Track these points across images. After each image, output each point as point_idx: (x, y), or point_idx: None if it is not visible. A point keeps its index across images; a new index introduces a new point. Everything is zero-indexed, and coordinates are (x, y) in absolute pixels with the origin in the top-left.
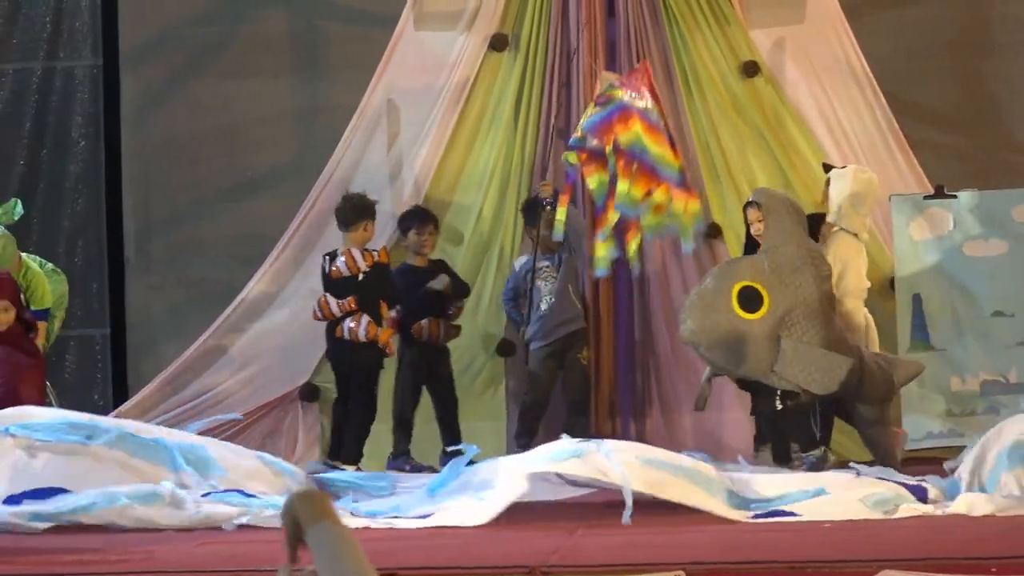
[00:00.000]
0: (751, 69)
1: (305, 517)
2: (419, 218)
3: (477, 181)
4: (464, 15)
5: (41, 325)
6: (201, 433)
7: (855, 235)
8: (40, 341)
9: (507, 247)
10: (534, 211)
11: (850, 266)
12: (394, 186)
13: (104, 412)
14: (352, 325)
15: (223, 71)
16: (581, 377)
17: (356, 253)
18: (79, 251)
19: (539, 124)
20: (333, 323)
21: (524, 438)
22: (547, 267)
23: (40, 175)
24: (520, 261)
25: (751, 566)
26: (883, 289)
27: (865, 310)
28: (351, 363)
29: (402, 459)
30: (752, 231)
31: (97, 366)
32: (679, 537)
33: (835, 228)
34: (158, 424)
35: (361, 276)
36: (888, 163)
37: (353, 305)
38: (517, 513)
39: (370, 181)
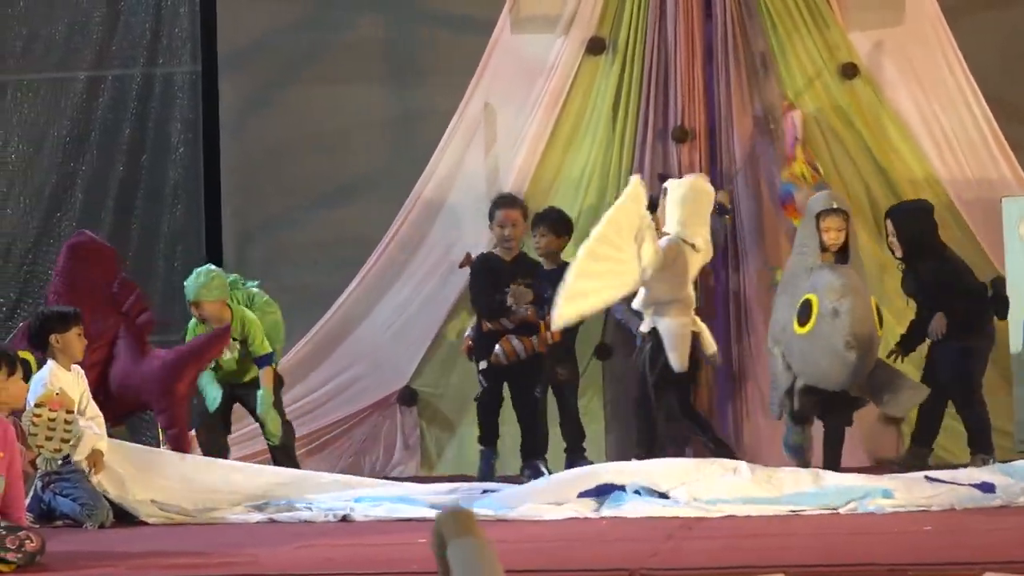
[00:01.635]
0: (850, 71)
1: (448, 532)
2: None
3: (575, 185)
4: (561, 19)
5: (267, 371)
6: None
7: (692, 245)
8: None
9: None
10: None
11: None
12: (491, 190)
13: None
14: None
15: (320, 77)
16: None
17: None
18: (178, 257)
19: (637, 127)
20: None
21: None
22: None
23: (140, 181)
24: None
25: (851, 568)
26: None
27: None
28: None
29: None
30: (827, 239)
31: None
32: (779, 540)
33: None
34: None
35: None
36: (989, 165)
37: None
38: (616, 517)
39: (468, 186)
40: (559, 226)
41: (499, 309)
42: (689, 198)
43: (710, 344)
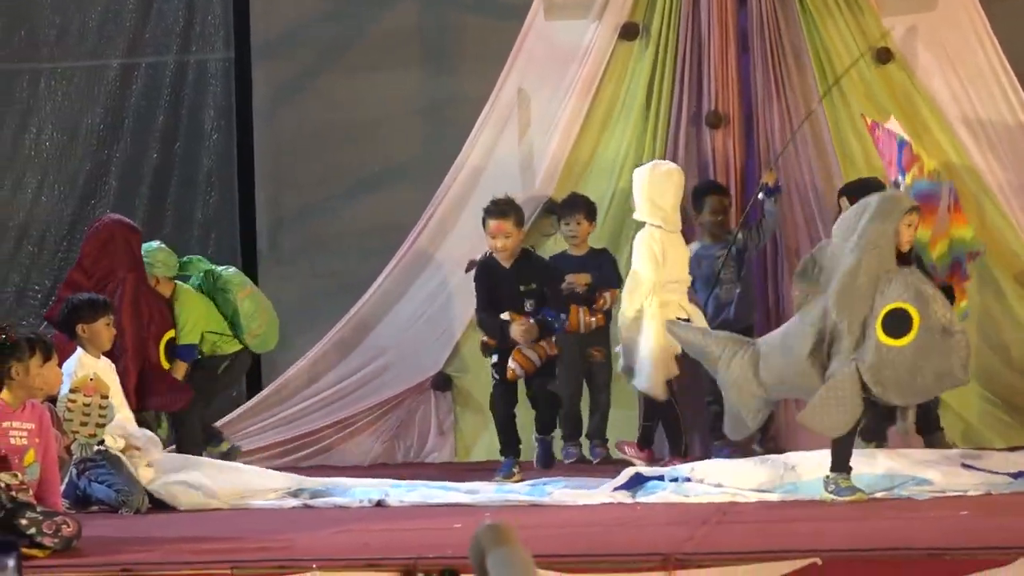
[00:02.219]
0: (884, 56)
1: (487, 543)
2: (566, 207)
3: (608, 170)
4: (594, 4)
5: (179, 365)
6: (331, 425)
7: (659, 227)
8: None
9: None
10: (701, 199)
11: (670, 256)
12: (525, 176)
13: (238, 404)
14: None
15: (353, 64)
16: None
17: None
18: (212, 244)
19: (671, 113)
20: None
21: (717, 431)
22: (720, 255)
23: (173, 168)
24: (693, 247)
25: (888, 554)
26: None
27: (686, 300)
28: None
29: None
30: (907, 239)
31: None
32: (814, 525)
33: (645, 224)
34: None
35: None
36: None
37: None
38: (650, 502)
39: (501, 172)
40: (592, 213)
41: (498, 331)
42: (649, 182)
43: None
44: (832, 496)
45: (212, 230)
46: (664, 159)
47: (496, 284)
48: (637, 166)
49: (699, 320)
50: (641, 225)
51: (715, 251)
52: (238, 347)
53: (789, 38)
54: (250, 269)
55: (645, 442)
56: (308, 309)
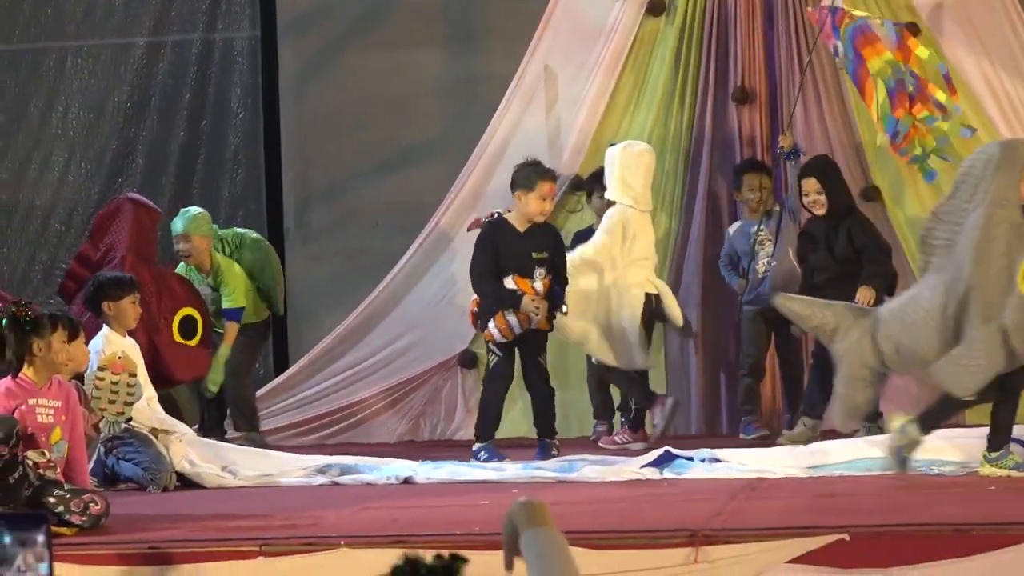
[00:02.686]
0: (911, 30)
1: (521, 522)
2: (597, 180)
3: None
4: None
5: (232, 326)
6: (358, 403)
7: (630, 206)
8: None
9: (665, 212)
10: (739, 176)
11: (639, 235)
12: (551, 153)
13: (266, 381)
14: None
15: (379, 42)
16: (795, 348)
17: None
18: (239, 222)
19: (697, 89)
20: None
21: (748, 405)
22: (763, 231)
23: (200, 146)
24: (734, 227)
25: (915, 529)
26: None
27: (655, 276)
28: None
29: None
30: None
31: None
32: (842, 501)
33: (616, 203)
34: (317, 392)
35: None
36: None
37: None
38: (678, 479)
39: (528, 149)
40: None
41: (498, 300)
42: (621, 162)
43: (675, 315)
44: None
45: (239, 208)
46: (691, 135)
47: (505, 247)
48: (663, 142)
49: (668, 296)
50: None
51: (752, 228)
52: (266, 315)
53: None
54: (277, 247)
55: (637, 423)
56: (335, 287)
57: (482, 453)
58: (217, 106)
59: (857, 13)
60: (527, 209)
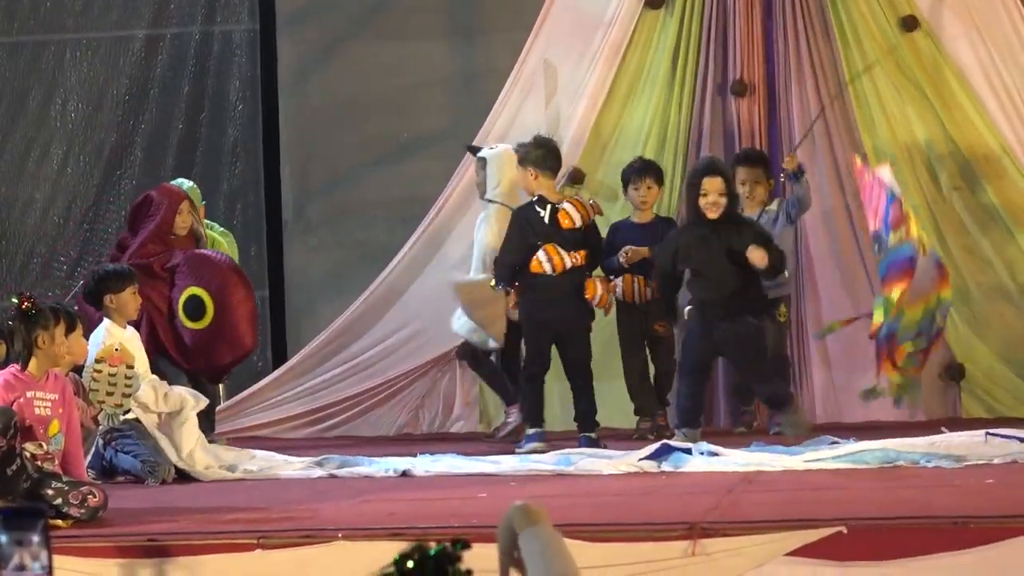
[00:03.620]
0: (910, 23)
1: (519, 523)
2: (636, 171)
3: (633, 140)
4: None
5: None
6: (356, 395)
7: (507, 207)
8: None
9: (665, 204)
10: (731, 169)
11: None
12: None
13: (264, 374)
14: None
15: (379, 35)
16: (780, 337)
17: (586, 202)
18: (238, 214)
19: (696, 82)
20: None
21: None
22: None
23: (199, 139)
24: None
25: (913, 522)
26: None
27: None
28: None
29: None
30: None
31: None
32: (839, 493)
33: (495, 204)
34: (315, 384)
35: (585, 230)
36: None
37: (583, 260)
38: (676, 472)
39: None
40: (661, 178)
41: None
42: (510, 164)
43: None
44: None
45: (238, 201)
46: (690, 128)
47: (536, 233)
48: (662, 135)
49: None
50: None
51: None
52: None
53: (815, 4)
54: (276, 239)
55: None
56: (334, 279)
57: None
58: (216, 99)
59: (914, 230)
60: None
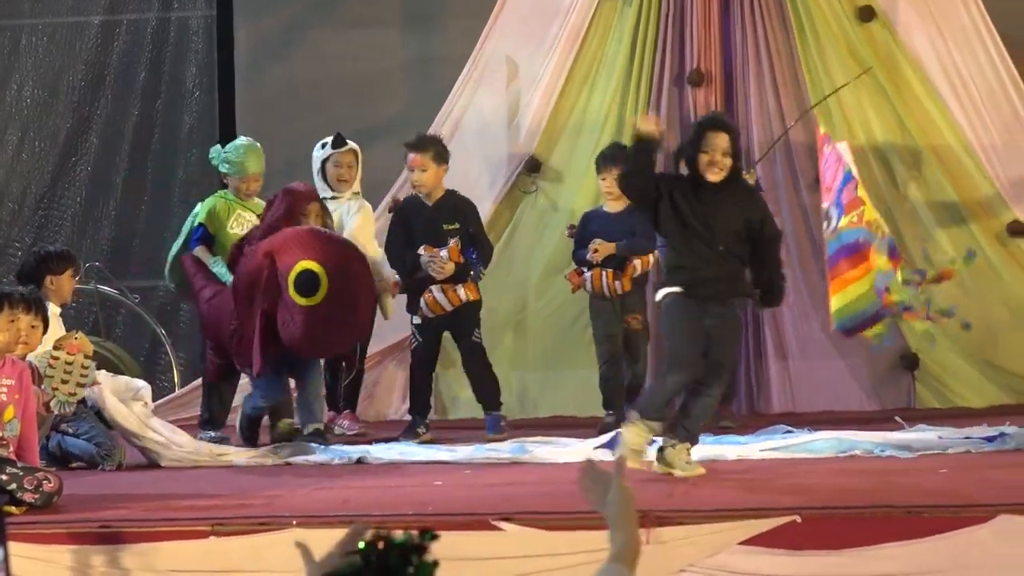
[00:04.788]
0: (867, 14)
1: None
2: (602, 159)
3: (591, 128)
4: None
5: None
6: None
7: None
8: None
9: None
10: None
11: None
12: (508, 133)
13: None
14: None
15: (336, 21)
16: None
17: None
18: (193, 201)
19: (653, 71)
20: None
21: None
22: None
23: (155, 125)
24: None
25: (867, 511)
26: None
27: None
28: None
29: None
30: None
31: None
32: (793, 483)
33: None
34: None
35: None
36: (1006, 108)
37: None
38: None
39: (484, 128)
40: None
41: (408, 267)
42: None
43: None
44: None
45: (193, 187)
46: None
47: (415, 222)
48: (620, 124)
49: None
50: None
51: None
52: None
53: None
54: None
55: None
56: None
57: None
58: (172, 85)
59: (868, 214)
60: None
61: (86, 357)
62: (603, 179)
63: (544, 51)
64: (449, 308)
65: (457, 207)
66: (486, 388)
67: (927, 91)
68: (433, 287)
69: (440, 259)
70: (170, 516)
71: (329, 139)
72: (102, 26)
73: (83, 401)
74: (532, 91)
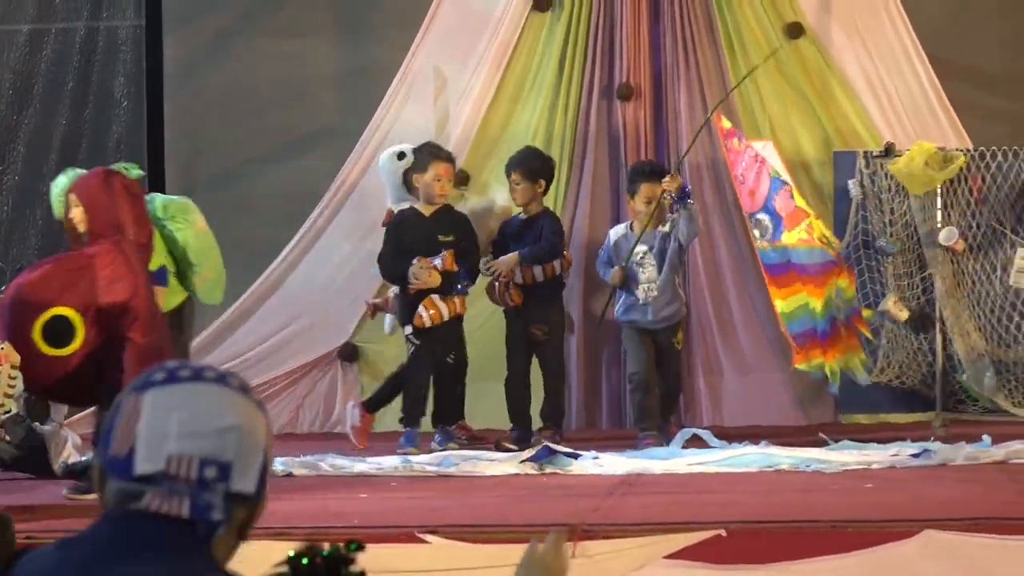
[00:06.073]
0: (795, 30)
1: None
2: (506, 167)
3: (520, 141)
4: None
5: (158, 289)
6: None
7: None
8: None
9: (550, 207)
10: (636, 182)
11: None
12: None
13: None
14: None
15: (266, 31)
16: (677, 362)
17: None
18: None
19: (582, 84)
20: None
21: (643, 423)
22: (645, 252)
23: (83, 135)
24: (617, 231)
25: (792, 525)
26: None
27: None
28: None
29: None
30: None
31: None
32: (720, 496)
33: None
34: None
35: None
36: (932, 125)
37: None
38: (557, 473)
39: (413, 140)
40: (532, 172)
41: (400, 277)
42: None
43: None
44: None
45: None
46: (576, 131)
47: (411, 232)
48: (548, 137)
49: None
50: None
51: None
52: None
53: (701, 10)
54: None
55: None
56: None
57: (436, 437)
58: (101, 95)
59: (817, 229)
60: (424, 191)
61: (13, 367)
62: (516, 184)
63: (473, 64)
64: (448, 317)
65: (454, 221)
66: (451, 403)
67: (854, 108)
68: (434, 296)
69: (429, 268)
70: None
71: (406, 147)
72: (30, 34)
73: (8, 414)
74: (461, 104)
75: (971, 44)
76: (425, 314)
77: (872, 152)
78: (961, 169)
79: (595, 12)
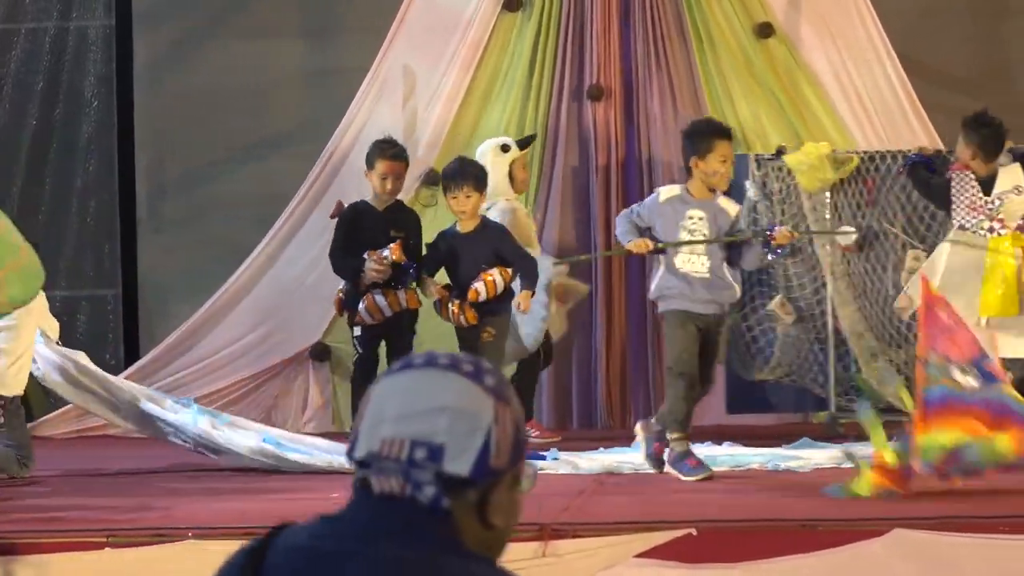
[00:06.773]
0: (765, 30)
1: None
2: (448, 177)
3: None
4: None
5: None
6: (209, 395)
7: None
8: None
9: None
10: (708, 140)
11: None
12: (408, 146)
13: (115, 372)
14: None
15: (237, 32)
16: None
17: None
18: (91, 211)
19: (553, 85)
20: None
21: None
22: (701, 218)
23: (52, 135)
24: (671, 190)
25: (762, 525)
26: None
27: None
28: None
29: None
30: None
31: (109, 326)
32: (690, 496)
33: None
34: (168, 384)
35: None
36: (901, 124)
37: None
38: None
39: None
40: (482, 182)
41: (353, 272)
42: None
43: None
44: None
45: (91, 197)
46: (546, 131)
47: (363, 227)
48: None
49: None
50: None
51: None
52: None
53: (671, 10)
54: (130, 237)
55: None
56: (189, 278)
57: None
58: (70, 95)
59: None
60: (373, 188)
61: None
62: (453, 198)
63: (444, 64)
64: (389, 313)
65: (407, 217)
66: None
67: (824, 107)
68: (374, 291)
69: (381, 259)
70: (64, 527)
71: (509, 140)
72: (0, 34)
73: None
74: (432, 104)
75: (941, 43)
76: (365, 313)
77: (764, 156)
78: (853, 171)
79: (565, 12)
